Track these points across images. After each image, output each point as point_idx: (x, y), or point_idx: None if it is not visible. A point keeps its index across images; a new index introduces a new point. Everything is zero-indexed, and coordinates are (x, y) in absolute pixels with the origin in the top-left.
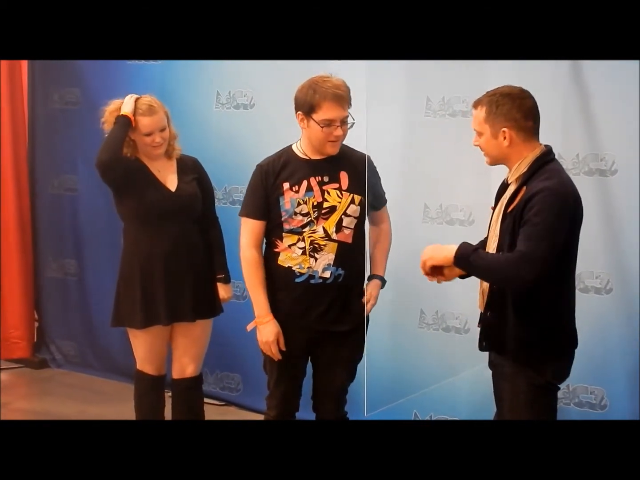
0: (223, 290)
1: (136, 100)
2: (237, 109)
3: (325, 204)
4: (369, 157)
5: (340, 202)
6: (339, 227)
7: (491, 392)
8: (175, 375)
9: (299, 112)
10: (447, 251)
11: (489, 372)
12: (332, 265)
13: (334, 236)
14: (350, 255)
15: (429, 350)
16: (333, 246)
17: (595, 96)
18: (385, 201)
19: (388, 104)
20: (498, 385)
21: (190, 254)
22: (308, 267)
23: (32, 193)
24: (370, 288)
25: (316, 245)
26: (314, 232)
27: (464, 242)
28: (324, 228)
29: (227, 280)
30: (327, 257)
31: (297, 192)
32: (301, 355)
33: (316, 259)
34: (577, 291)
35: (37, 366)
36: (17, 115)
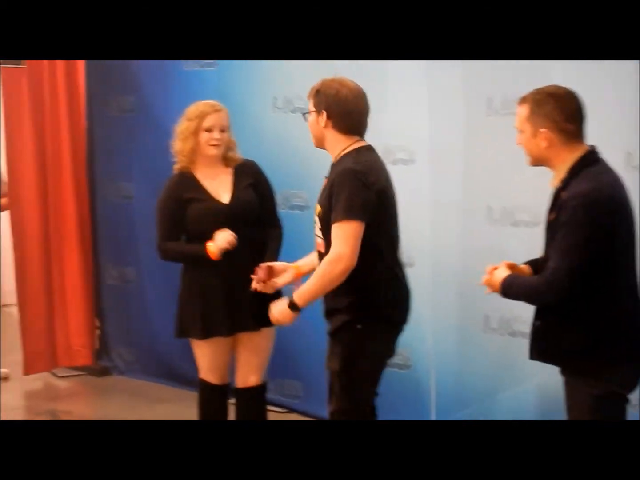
0: None
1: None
2: (293, 113)
3: None
4: (343, 170)
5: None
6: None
7: (561, 399)
8: (239, 384)
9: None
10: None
11: (558, 379)
12: None
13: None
14: None
15: (495, 357)
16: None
17: None
18: (337, 220)
19: (449, 105)
20: (565, 394)
21: (250, 263)
22: None
23: (91, 200)
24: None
25: None
26: None
27: (507, 277)
28: None
29: None
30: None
31: None
32: None
33: None
34: None
35: (99, 373)
36: (76, 123)
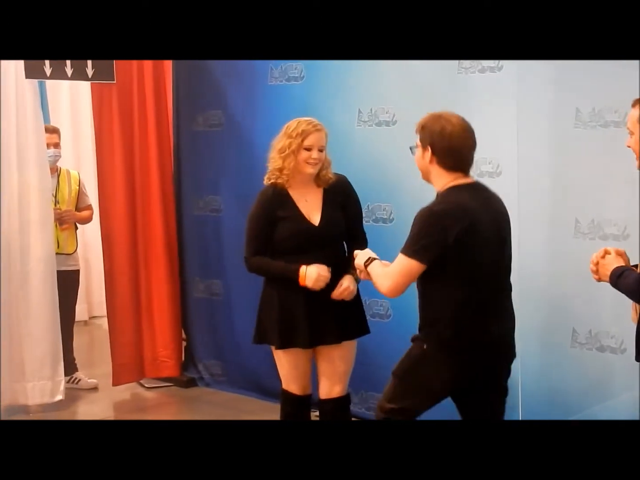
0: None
1: (302, 121)
2: (379, 126)
3: None
4: (423, 208)
5: None
6: None
7: None
8: (323, 395)
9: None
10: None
11: None
12: None
13: None
14: None
15: (582, 372)
16: None
17: None
18: (402, 250)
19: (536, 117)
20: None
21: (334, 278)
22: None
23: (178, 214)
24: None
25: None
26: None
27: (618, 267)
28: None
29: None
30: None
31: None
32: None
33: None
34: None
35: (185, 385)
36: (163, 138)
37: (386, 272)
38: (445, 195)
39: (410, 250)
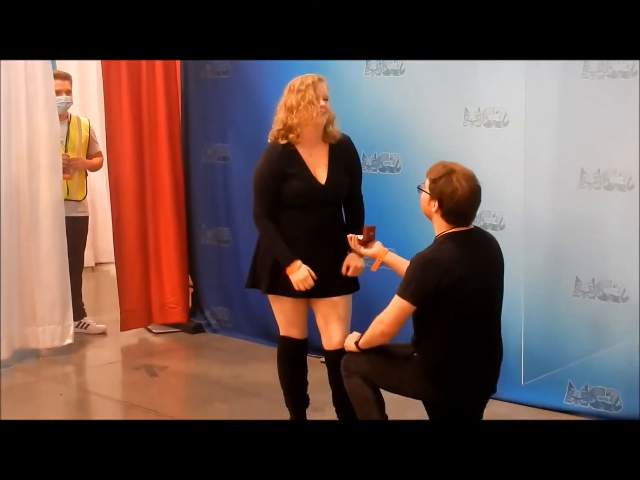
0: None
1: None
2: (387, 75)
3: None
4: (418, 253)
5: None
6: None
7: None
8: (325, 346)
9: None
10: None
11: None
12: None
13: None
14: None
15: (584, 320)
16: None
17: None
18: (396, 291)
19: (544, 66)
20: None
21: (331, 236)
22: None
23: (186, 162)
24: None
25: None
26: None
27: None
28: None
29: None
30: None
31: None
32: None
33: None
34: None
35: (193, 331)
36: (171, 86)
37: (379, 317)
38: (441, 243)
39: (403, 292)
